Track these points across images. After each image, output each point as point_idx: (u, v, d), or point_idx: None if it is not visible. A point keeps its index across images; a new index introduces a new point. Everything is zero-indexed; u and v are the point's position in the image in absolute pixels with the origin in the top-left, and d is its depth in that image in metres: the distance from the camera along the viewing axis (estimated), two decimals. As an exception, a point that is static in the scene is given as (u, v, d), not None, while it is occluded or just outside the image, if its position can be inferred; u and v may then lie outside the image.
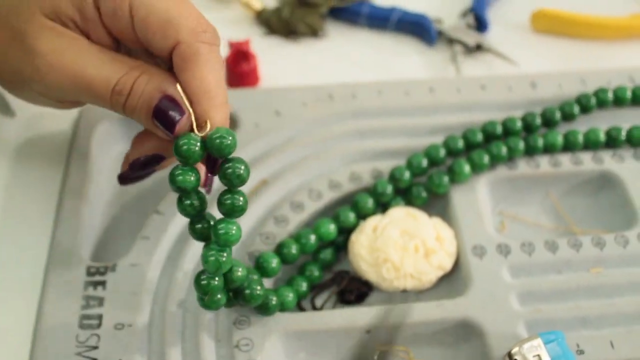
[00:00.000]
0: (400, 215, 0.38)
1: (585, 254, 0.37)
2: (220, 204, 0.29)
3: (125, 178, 0.35)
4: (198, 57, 0.30)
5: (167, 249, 0.37)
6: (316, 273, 0.37)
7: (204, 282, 0.30)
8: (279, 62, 0.50)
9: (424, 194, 0.40)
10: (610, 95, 0.44)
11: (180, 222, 0.38)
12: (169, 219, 0.38)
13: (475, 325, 0.35)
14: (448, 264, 0.37)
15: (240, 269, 0.31)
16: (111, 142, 0.43)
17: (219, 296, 0.31)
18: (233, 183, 0.29)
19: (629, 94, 0.44)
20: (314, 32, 0.52)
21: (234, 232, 0.29)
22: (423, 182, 0.40)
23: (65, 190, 0.40)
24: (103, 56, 0.31)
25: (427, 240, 0.37)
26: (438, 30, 0.52)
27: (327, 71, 0.50)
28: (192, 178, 0.29)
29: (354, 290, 0.37)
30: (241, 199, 0.29)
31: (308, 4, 0.52)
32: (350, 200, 0.39)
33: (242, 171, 0.28)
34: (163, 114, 0.29)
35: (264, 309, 0.34)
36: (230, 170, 0.28)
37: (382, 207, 0.40)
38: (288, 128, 0.43)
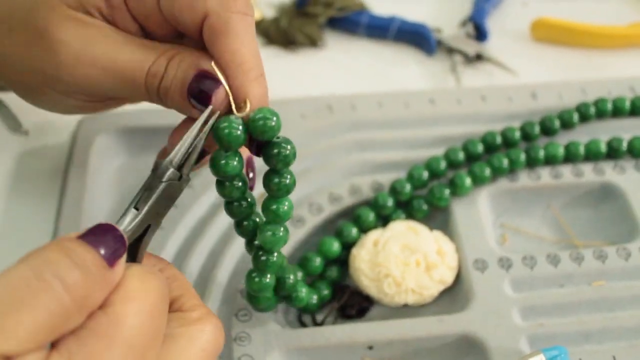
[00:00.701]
0: (401, 229, 0.38)
1: (587, 267, 0.37)
2: (267, 184, 0.28)
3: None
4: (229, 28, 0.28)
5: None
6: (325, 291, 0.37)
7: (256, 280, 0.31)
8: (278, 72, 0.50)
9: (424, 207, 0.39)
10: (609, 106, 0.44)
11: (181, 236, 0.38)
12: (168, 233, 0.38)
13: (477, 341, 0.34)
14: (449, 278, 0.37)
15: (291, 276, 0.33)
16: (110, 155, 0.43)
17: (268, 295, 0.32)
18: (278, 166, 0.28)
19: (627, 105, 0.44)
20: (313, 42, 0.52)
21: (286, 207, 0.29)
22: (424, 195, 0.40)
23: (63, 203, 0.39)
24: (133, 42, 0.29)
25: (428, 254, 0.37)
26: (437, 40, 0.51)
27: (326, 81, 0.50)
28: (236, 163, 0.27)
29: (355, 304, 0.37)
30: (288, 177, 0.28)
31: (307, 14, 0.52)
32: (350, 214, 0.39)
33: (288, 151, 0.27)
34: (198, 90, 0.28)
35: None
36: (276, 151, 0.27)
37: (383, 220, 0.39)
38: (287, 140, 0.42)
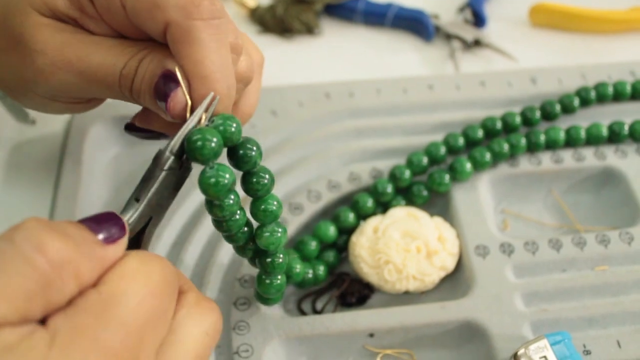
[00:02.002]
0: (401, 215, 0.37)
1: (589, 252, 0.37)
2: (247, 187, 0.27)
3: (130, 128, 0.32)
4: (191, 37, 0.26)
5: (163, 253, 0.36)
6: (321, 268, 0.36)
7: (267, 282, 0.30)
8: (274, 60, 0.49)
9: (425, 193, 0.39)
10: (610, 90, 0.43)
11: (176, 225, 0.37)
12: (164, 223, 0.37)
13: (480, 327, 0.34)
14: (451, 265, 0.36)
15: (298, 266, 0.33)
16: (104, 145, 0.42)
17: (279, 280, 0.31)
18: (246, 168, 0.27)
19: (628, 88, 0.43)
20: (309, 30, 0.51)
21: (275, 205, 0.28)
22: (423, 181, 0.39)
23: (58, 194, 0.39)
24: (107, 43, 0.29)
25: (429, 241, 0.36)
26: (435, 26, 0.51)
27: (323, 69, 0.49)
28: (227, 180, 0.25)
29: (355, 292, 0.36)
30: (267, 175, 0.27)
31: (303, 1, 0.52)
32: (350, 201, 0.39)
33: (253, 152, 0.26)
34: (162, 91, 0.27)
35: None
36: (241, 153, 0.26)
37: (383, 206, 0.39)
38: (285, 128, 0.42)
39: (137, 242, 0.26)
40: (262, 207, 0.28)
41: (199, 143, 0.24)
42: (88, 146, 0.41)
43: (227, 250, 0.36)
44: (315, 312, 0.36)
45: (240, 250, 0.30)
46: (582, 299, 0.35)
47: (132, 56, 0.28)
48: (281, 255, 0.30)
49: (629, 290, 0.36)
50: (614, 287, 0.36)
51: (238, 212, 0.27)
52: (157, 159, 0.25)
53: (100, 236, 0.22)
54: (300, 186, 0.39)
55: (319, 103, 0.43)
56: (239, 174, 0.27)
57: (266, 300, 0.32)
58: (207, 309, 0.25)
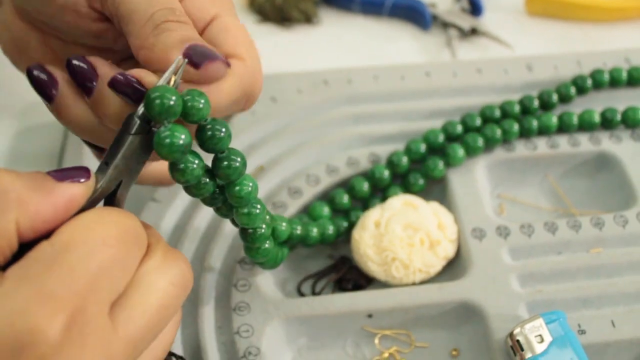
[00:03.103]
0: (399, 205, 0.37)
1: (584, 234, 0.37)
2: (217, 171, 0.26)
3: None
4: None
5: (165, 236, 0.37)
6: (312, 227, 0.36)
7: (253, 248, 0.30)
8: (273, 49, 0.50)
9: (421, 181, 0.39)
10: (606, 77, 0.44)
11: (178, 209, 0.38)
12: (165, 207, 0.38)
13: (476, 307, 0.34)
14: (452, 252, 0.37)
15: (284, 224, 0.32)
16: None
17: (267, 245, 0.31)
18: (214, 149, 0.26)
19: (624, 75, 0.44)
20: (308, 19, 0.52)
21: (250, 187, 0.27)
22: (419, 169, 0.40)
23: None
24: None
25: (430, 230, 0.36)
26: (432, 15, 0.51)
27: (322, 58, 0.50)
28: (182, 141, 0.24)
29: (351, 280, 0.37)
30: (238, 159, 0.26)
31: (301, -9, 0.52)
32: (347, 185, 0.39)
33: (222, 134, 0.25)
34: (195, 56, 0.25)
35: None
36: (209, 134, 0.25)
37: (379, 191, 0.39)
38: (284, 114, 0.42)
39: (111, 200, 0.26)
40: (236, 189, 0.27)
41: (157, 101, 0.23)
42: (89, 133, 0.42)
43: (227, 234, 0.36)
44: (314, 293, 0.36)
45: (220, 210, 0.29)
46: (577, 280, 0.36)
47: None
48: (263, 226, 0.30)
49: (623, 271, 0.36)
50: (609, 268, 0.36)
51: (204, 177, 0.26)
52: (126, 123, 0.25)
53: (57, 177, 0.22)
54: (300, 171, 0.40)
55: (317, 90, 0.44)
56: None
57: (262, 264, 0.32)
58: (173, 260, 0.25)
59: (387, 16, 0.52)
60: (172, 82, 0.25)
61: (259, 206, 0.28)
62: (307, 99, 0.43)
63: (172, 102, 0.23)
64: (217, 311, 0.34)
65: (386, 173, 0.39)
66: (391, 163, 0.39)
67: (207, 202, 0.28)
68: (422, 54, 0.50)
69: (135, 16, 0.26)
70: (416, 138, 0.40)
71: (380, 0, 0.52)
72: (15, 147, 0.43)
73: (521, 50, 0.50)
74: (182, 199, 0.38)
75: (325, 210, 0.37)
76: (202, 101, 0.24)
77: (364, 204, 0.39)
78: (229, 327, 0.33)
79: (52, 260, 0.21)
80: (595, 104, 0.43)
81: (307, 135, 0.42)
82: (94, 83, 0.25)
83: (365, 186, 0.38)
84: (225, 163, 0.26)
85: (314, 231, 0.35)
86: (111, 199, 0.25)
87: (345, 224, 0.38)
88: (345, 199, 0.38)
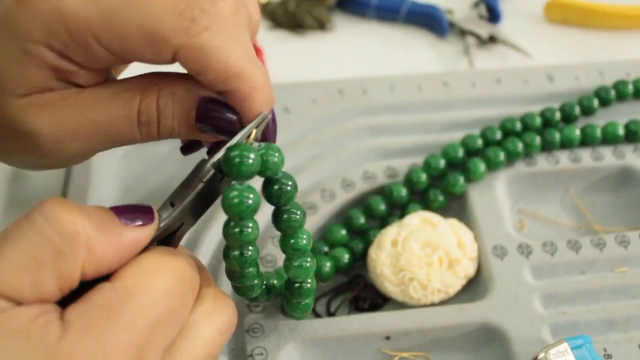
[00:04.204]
0: (417, 222, 0.36)
1: (609, 253, 0.36)
2: (278, 223, 0.27)
3: (186, 148, 0.30)
4: (206, 50, 0.24)
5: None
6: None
7: (294, 303, 0.30)
8: (286, 56, 0.49)
9: (441, 198, 0.38)
10: (630, 88, 0.42)
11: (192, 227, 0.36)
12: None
13: (498, 330, 0.33)
14: (472, 271, 0.36)
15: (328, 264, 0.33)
16: (114, 142, 0.42)
17: (308, 300, 0.30)
18: (280, 202, 0.26)
19: (648, 86, 0.43)
20: (321, 25, 0.50)
21: (305, 240, 0.28)
22: (438, 185, 0.39)
23: (67, 194, 0.38)
24: (102, 96, 0.25)
25: (449, 249, 0.35)
26: (449, 22, 0.50)
27: (336, 65, 0.48)
28: (250, 201, 0.24)
29: (368, 298, 0.36)
30: (298, 212, 0.27)
31: (315, -4, 0.51)
32: (364, 201, 0.38)
33: (289, 188, 0.26)
34: (210, 117, 0.25)
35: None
36: (277, 187, 0.26)
37: (397, 209, 0.38)
38: (298, 125, 0.41)
39: (168, 245, 0.26)
40: (292, 241, 0.27)
41: (237, 159, 0.24)
42: (98, 144, 0.41)
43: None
44: (330, 313, 0.35)
45: (244, 291, 0.29)
46: (601, 301, 0.35)
47: (142, 100, 0.26)
48: (310, 281, 0.30)
49: (650, 292, 0.35)
50: (635, 289, 0.35)
51: (251, 246, 0.27)
52: (198, 169, 0.25)
53: (123, 219, 0.23)
54: (314, 185, 0.39)
55: (332, 100, 0.42)
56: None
57: (295, 317, 0.32)
58: (223, 307, 0.25)
59: (402, 23, 0.51)
60: (252, 136, 0.25)
61: (309, 260, 0.28)
62: (322, 110, 0.42)
63: (250, 162, 0.24)
64: (229, 333, 0.33)
65: (404, 191, 0.38)
66: (409, 181, 0.38)
67: (240, 273, 0.28)
68: (438, 63, 0.49)
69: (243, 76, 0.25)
70: (435, 153, 0.39)
71: (396, 6, 0.50)
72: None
73: (540, 58, 0.48)
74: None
75: (342, 232, 0.36)
76: (277, 155, 0.25)
77: (381, 222, 0.38)
78: (242, 350, 0.32)
79: (114, 308, 0.21)
80: (619, 116, 0.42)
81: (321, 148, 0.40)
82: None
83: (382, 206, 0.37)
84: (286, 216, 0.27)
85: (327, 266, 0.35)
86: (169, 236, 0.25)
87: (361, 246, 0.37)
88: (362, 219, 0.37)
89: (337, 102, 0.42)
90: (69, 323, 0.20)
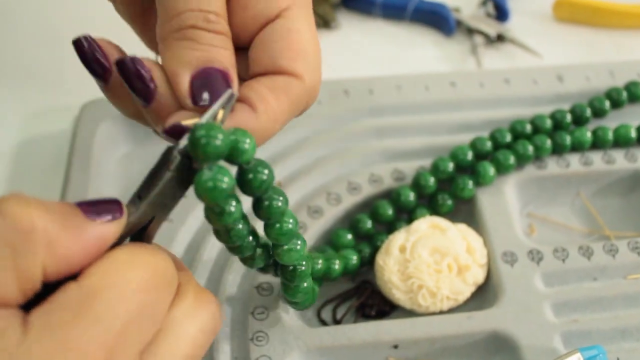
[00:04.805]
0: (425, 227, 0.35)
1: (621, 259, 0.35)
2: (258, 212, 0.25)
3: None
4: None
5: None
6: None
7: (293, 287, 0.29)
8: (290, 54, 0.48)
9: (449, 202, 0.37)
10: (642, 89, 0.41)
11: (191, 230, 0.36)
12: (177, 227, 0.36)
13: (508, 338, 0.32)
14: (481, 277, 0.35)
15: (320, 262, 0.31)
16: (114, 142, 0.41)
17: (305, 284, 0.29)
18: (256, 193, 0.25)
19: (661, 87, 0.42)
20: (326, 23, 0.49)
21: (291, 224, 0.26)
22: (447, 189, 0.38)
23: (66, 194, 0.37)
24: None
25: (459, 255, 0.34)
26: (456, 20, 0.49)
27: (341, 64, 0.47)
28: (225, 184, 0.22)
29: (375, 305, 0.35)
30: (280, 198, 0.25)
31: (319, -7, 0.50)
32: (370, 205, 0.37)
33: (265, 177, 0.24)
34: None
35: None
36: (251, 176, 0.24)
37: (404, 213, 0.37)
38: (302, 127, 0.40)
39: (140, 240, 0.24)
40: (277, 227, 0.26)
41: (203, 140, 0.21)
42: (97, 144, 0.40)
43: (243, 256, 0.34)
44: (336, 321, 0.34)
45: (247, 261, 0.28)
46: (614, 309, 0.34)
47: None
48: (304, 263, 0.28)
49: (664, 300, 0.34)
50: (648, 297, 0.34)
51: (241, 221, 0.25)
52: (165, 157, 0.23)
53: (89, 214, 0.21)
54: (320, 188, 0.38)
55: (337, 100, 0.41)
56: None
57: (295, 304, 0.31)
58: (204, 303, 0.23)
59: (408, 21, 0.50)
60: (219, 117, 0.23)
61: (299, 242, 0.27)
62: (327, 110, 0.41)
63: (218, 142, 0.21)
64: (233, 341, 0.32)
65: (412, 195, 0.37)
66: (417, 184, 0.37)
67: (238, 249, 0.26)
68: (445, 62, 0.48)
69: (167, 3, 0.24)
70: (443, 156, 0.38)
71: (402, 4, 0.49)
72: (21, 158, 0.42)
73: (549, 57, 0.47)
74: (195, 219, 0.36)
75: (348, 237, 0.35)
76: (248, 141, 0.23)
77: (388, 227, 0.37)
78: (246, 358, 0.31)
79: (79, 306, 0.19)
80: (631, 118, 0.41)
81: (327, 150, 0.39)
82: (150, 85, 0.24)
83: (389, 211, 0.36)
84: (267, 203, 0.25)
85: (337, 264, 0.33)
86: (141, 233, 0.23)
87: (368, 250, 0.36)
88: (368, 224, 0.36)
89: (343, 102, 0.41)
90: (30, 324, 0.19)
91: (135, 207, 0.23)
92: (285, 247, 0.27)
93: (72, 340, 0.19)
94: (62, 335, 0.19)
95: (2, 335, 0.19)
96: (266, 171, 0.24)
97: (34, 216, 0.20)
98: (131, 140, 0.41)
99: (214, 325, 0.24)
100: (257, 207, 0.25)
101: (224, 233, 0.25)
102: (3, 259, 0.19)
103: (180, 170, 0.23)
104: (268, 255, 0.28)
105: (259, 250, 0.27)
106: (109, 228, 0.21)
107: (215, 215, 0.23)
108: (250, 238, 0.26)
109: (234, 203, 0.23)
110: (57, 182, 0.39)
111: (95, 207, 0.21)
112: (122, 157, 0.41)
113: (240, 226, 0.25)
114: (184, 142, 0.23)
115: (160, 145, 0.40)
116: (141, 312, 0.20)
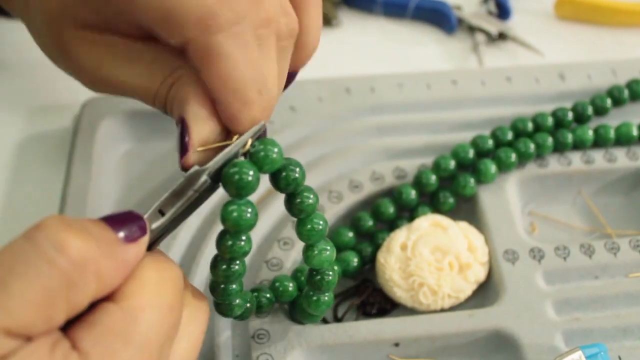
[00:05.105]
0: (426, 225, 0.35)
1: (623, 258, 0.35)
2: (291, 209, 0.27)
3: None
4: (213, 53, 0.25)
5: (177, 259, 0.35)
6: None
7: (315, 299, 0.30)
8: (291, 52, 0.48)
9: (451, 200, 0.37)
10: (644, 87, 0.41)
11: (192, 228, 0.36)
12: (180, 225, 0.35)
13: (509, 337, 0.32)
14: (483, 276, 0.35)
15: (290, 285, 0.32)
16: (116, 140, 0.41)
17: (327, 297, 0.30)
18: (289, 190, 0.26)
19: (663, 85, 0.42)
20: (327, 21, 0.49)
21: (321, 225, 0.27)
22: (448, 187, 0.38)
23: (67, 192, 0.37)
24: (143, 61, 0.28)
25: (460, 253, 0.34)
26: (458, 18, 0.49)
27: (342, 62, 0.47)
28: (249, 215, 0.24)
29: (376, 303, 0.35)
30: (311, 196, 0.26)
31: (320, -9, 0.50)
32: (372, 203, 0.37)
33: (297, 175, 0.26)
34: (179, 137, 0.26)
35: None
36: (284, 174, 0.25)
37: (406, 211, 0.37)
38: (304, 124, 0.40)
39: (150, 247, 0.25)
40: (309, 226, 0.27)
41: (236, 176, 0.23)
42: (99, 141, 0.40)
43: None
44: (337, 319, 0.34)
45: (225, 307, 0.28)
46: (616, 307, 0.34)
47: (163, 80, 0.27)
48: (331, 272, 0.29)
49: (665, 298, 0.34)
50: (649, 295, 0.34)
51: (244, 260, 0.27)
52: (192, 178, 0.24)
53: (121, 234, 0.22)
54: (321, 185, 0.38)
55: (339, 98, 0.41)
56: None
57: (313, 318, 0.31)
58: (203, 305, 0.25)
59: (410, 18, 0.50)
60: (248, 145, 0.25)
61: (329, 247, 0.28)
62: (328, 108, 0.41)
63: (250, 178, 0.24)
64: (234, 339, 0.32)
65: (413, 193, 0.37)
66: (419, 182, 0.37)
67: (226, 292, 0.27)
68: (446, 60, 0.48)
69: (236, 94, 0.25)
70: (444, 154, 0.38)
71: (404, 1, 0.49)
72: (22, 155, 0.42)
73: (551, 56, 0.47)
74: (195, 218, 0.36)
75: (350, 235, 0.35)
76: (275, 150, 0.24)
77: (390, 225, 0.37)
78: (247, 356, 0.31)
79: (127, 330, 0.21)
80: (633, 116, 0.41)
81: (328, 147, 0.39)
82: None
83: (391, 208, 0.36)
84: (299, 200, 0.26)
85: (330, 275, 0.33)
86: (154, 241, 0.25)
87: (369, 249, 0.36)
88: (370, 222, 0.36)
89: (344, 100, 0.41)
90: (87, 354, 0.20)
91: (158, 222, 0.24)
92: (317, 249, 0.27)
93: None
94: None
95: None
96: (297, 169, 0.25)
97: (88, 249, 0.20)
98: (132, 137, 0.41)
99: (207, 323, 0.25)
100: (289, 203, 0.26)
101: (223, 267, 0.26)
102: (59, 293, 0.19)
103: (205, 191, 0.25)
104: (258, 301, 0.30)
105: (239, 301, 0.28)
106: (140, 248, 0.22)
107: (228, 243, 0.25)
108: (238, 286, 0.28)
109: (247, 238, 0.25)
110: (58, 180, 0.39)
111: (124, 226, 0.22)
112: (124, 155, 0.41)
113: (238, 267, 0.26)
114: (211, 166, 0.24)
115: (161, 142, 0.40)
116: (173, 328, 0.22)
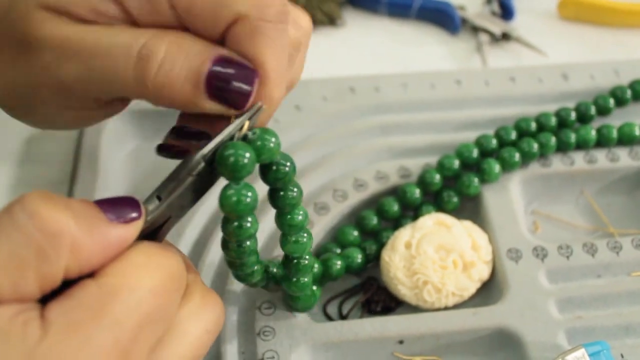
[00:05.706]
0: (431, 224, 0.35)
1: (625, 256, 0.35)
2: (274, 202, 0.27)
3: (164, 148, 0.27)
4: (259, 37, 0.24)
5: (189, 244, 0.35)
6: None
7: (293, 280, 0.30)
8: (295, 52, 0.48)
9: (455, 199, 0.37)
10: (646, 87, 0.42)
11: (199, 224, 0.36)
12: (185, 221, 0.36)
13: (513, 334, 0.33)
14: (486, 274, 0.35)
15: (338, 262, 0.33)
16: (122, 140, 0.41)
17: (306, 279, 0.30)
18: (278, 185, 0.26)
19: (665, 86, 0.42)
20: (332, 21, 0.50)
21: (301, 216, 0.27)
22: (452, 186, 0.38)
23: (74, 191, 0.38)
24: (120, 26, 0.25)
25: (464, 252, 0.35)
26: (462, 18, 0.49)
27: (346, 62, 0.48)
28: (249, 199, 0.24)
29: (380, 301, 0.35)
30: (295, 189, 0.26)
31: (325, -9, 0.50)
32: (376, 202, 0.37)
33: (287, 169, 0.25)
34: (223, 83, 0.24)
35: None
36: (274, 168, 0.25)
37: (412, 210, 0.38)
38: (308, 124, 0.40)
39: (153, 239, 0.25)
40: (288, 217, 0.27)
41: (231, 159, 0.23)
42: (104, 140, 0.40)
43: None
44: (342, 316, 0.35)
45: (246, 277, 0.28)
46: (618, 305, 0.34)
47: (153, 35, 0.24)
48: (307, 257, 0.29)
49: (667, 297, 0.34)
50: (652, 294, 0.34)
51: (253, 238, 0.26)
52: (187, 161, 0.24)
53: (111, 215, 0.21)
54: (326, 184, 0.38)
55: (343, 98, 0.42)
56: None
57: (296, 301, 0.31)
58: (210, 305, 0.24)
59: (414, 19, 0.50)
60: (245, 127, 0.24)
61: (305, 235, 0.28)
62: (333, 108, 0.41)
63: (246, 161, 0.23)
64: (240, 336, 0.32)
65: (417, 192, 0.37)
66: (423, 181, 0.37)
67: (239, 264, 0.27)
68: (450, 60, 0.48)
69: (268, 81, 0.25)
70: (449, 153, 0.38)
71: (408, 2, 0.50)
72: (28, 154, 0.42)
73: (554, 56, 0.47)
74: (202, 214, 0.36)
75: (354, 233, 0.36)
76: (273, 140, 0.24)
77: (394, 223, 0.37)
78: (252, 353, 0.32)
79: (99, 306, 0.20)
80: (635, 116, 0.41)
81: (333, 147, 0.40)
82: None
83: (395, 207, 0.37)
84: (282, 193, 0.26)
85: (337, 264, 0.34)
86: (155, 230, 0.24)
87: (374, 247, 0.36)
88: (374, 220, 0.36)
89: (349, 99, 0.42)
90: (50, 322, 0.19)
91: (153, 207, 0.23)
92: (292, 238, 0.27)
93: (92, 340, 0.19)
94: (83, 335, 0.19)
95: (24, 330, 0.19)
96: (288, 163, 0.25)
97: (62, 219, 0.20)
98: (139, 136, 0.41)
99: (218, 325, 0.24)
100: (273, 196, 0.26)
101: (234, 247, 0.26)
102: (26, 260, 0.19)
103: (202, 175, 0.24)
104: (266, 273, 0.29)
105: (258, 267, 0.28)
106: (129, 230, 0.22)
107: (233, 228, 0.24)
108: (254, 257, 0.27)
109: (250, 219, 0.25)
110: (64, 179, 0.40)
111: (115, 208, 0.22)
112: (130, 153, 0.41)
113: (249, 243, 0.26)
114: (207, 148, 0.24)
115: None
116: (155, 314, 0.21)
